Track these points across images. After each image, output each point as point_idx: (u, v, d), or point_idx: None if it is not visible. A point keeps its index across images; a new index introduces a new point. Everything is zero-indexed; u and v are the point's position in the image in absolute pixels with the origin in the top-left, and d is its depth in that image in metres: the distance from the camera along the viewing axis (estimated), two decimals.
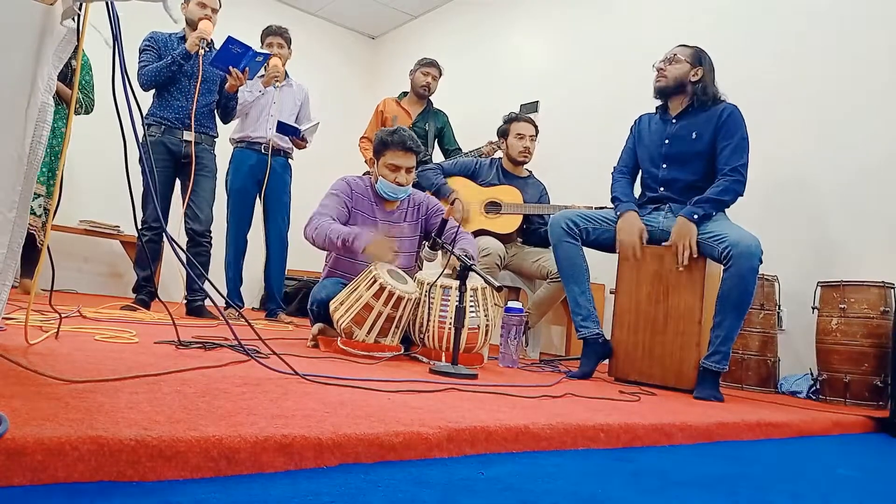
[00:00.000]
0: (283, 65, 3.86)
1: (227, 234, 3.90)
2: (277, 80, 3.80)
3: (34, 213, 3.61)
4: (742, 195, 2.43)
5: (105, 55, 1.32)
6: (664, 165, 2.58)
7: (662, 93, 2.60)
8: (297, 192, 4.09)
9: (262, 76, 3.79)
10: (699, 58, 2.54)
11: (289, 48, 3.94)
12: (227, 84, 3.40)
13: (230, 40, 3.19)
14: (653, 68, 2.62)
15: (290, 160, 4.03)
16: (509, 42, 5.19)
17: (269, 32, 3.93)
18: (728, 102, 2.51)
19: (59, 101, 3.37)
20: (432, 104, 4.31)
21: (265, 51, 3.48)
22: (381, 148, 2.67)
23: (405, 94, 4.34)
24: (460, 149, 4.29)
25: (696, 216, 2.37)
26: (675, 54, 2.56)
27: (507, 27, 5.23)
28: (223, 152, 3.81)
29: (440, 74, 4.30)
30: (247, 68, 3.34)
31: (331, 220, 2.51)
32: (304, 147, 3.93)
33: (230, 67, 3.29)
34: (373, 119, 4.34)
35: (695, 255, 2.36)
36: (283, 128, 3.75)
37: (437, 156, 4.32)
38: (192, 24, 3.38)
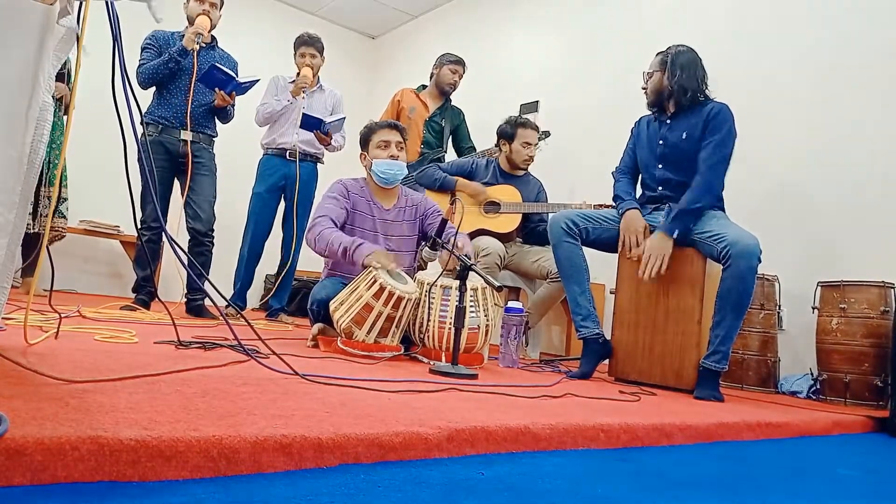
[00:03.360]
0: (316, 73, 3.85)
1: (243, 234, 3.90)
2: (307, 89, 3.79)
3: (63, 216, 3.77)
4: (717, 196, 2.45)
5: (105, 54, 1.31)
6: (660, 166, 2.60)
7: (652, 106, 2.66)
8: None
9: (292, 81, 3.80)
10: (664, 61, 2.57)
11: (321, 56, 3.92)
12: (216, 101, 3.39)
13: (214, 67, 3.23)
14: (642, 90, 2.68)
15: (318, 165, 4.00)
16: (509, 42, 5.19)
17: (300, 42, 3.89)
18: (717, 101, 2.51)
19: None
20: (451, 100, 4.22)
21: (253, 77, 3.45)
22: (367, 135, 2.79)
23: (424, 86, 4.24)
24: (475, 148, 4.22)
25: (675, 233, 2.38)
26: (651, 71, 2.63)
27: (507, 27, 5.23)
28: (224, 152, 3.81)
29: (465, 71, 4.21)
30: (233, 92, 3.36)
31: (332, 224, 2.53)
32: (330, 144, 3.79)
33: (216, 89, 3.33)
34: (388, 108, 4.20)
35: (663, 272, 2.38)
36: (306, 121, 3.64)
37: (451, 154, 4.27)
38: (192, 22, 3.36)
